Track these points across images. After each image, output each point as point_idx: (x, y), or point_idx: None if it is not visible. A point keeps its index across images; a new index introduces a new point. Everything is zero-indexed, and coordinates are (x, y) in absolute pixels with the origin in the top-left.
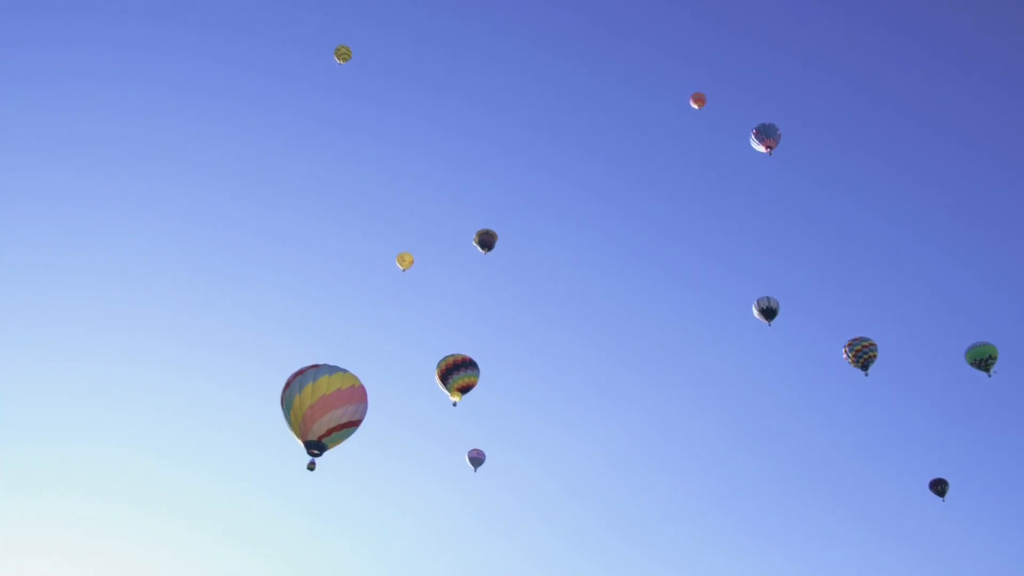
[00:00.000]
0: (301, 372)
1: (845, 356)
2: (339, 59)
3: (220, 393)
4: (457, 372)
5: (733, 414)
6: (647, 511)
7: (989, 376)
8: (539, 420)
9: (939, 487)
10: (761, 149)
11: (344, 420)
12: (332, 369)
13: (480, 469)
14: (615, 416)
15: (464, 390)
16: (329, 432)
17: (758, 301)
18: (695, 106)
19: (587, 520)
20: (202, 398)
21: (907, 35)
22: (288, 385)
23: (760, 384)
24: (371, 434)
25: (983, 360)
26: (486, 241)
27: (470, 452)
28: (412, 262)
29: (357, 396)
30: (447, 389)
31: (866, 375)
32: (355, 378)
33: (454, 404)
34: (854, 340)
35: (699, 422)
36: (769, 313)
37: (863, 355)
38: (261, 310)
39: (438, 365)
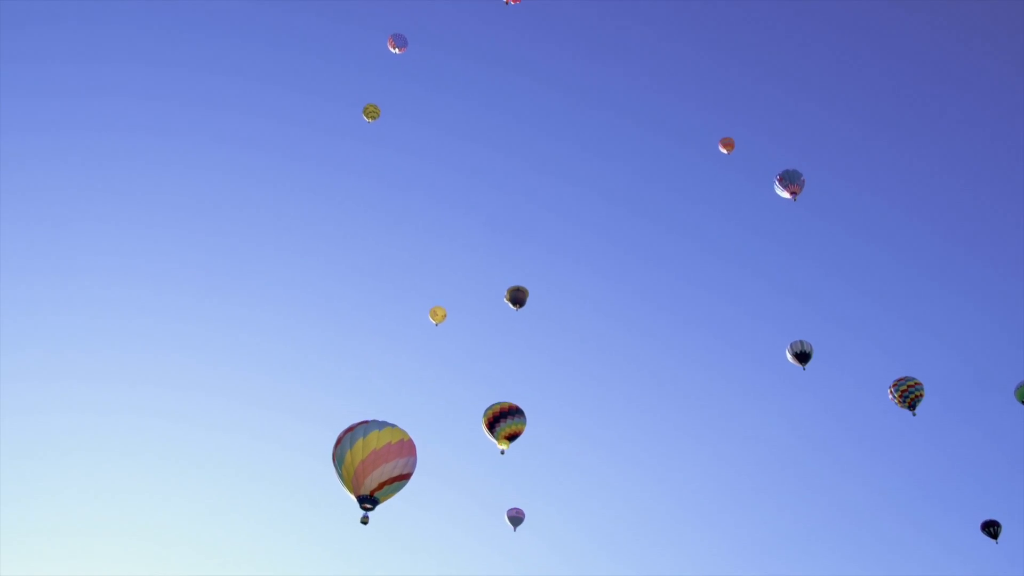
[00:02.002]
0: (351, 428)
1: (891, 397)
2: (367, 117)
3: (269, 452)
4: (504, 420)
5: (774, 460)
6: (689, 565)
7: None
8: (576, 476)
9: (992, 529)
10: (785, 195)
11: (395, 473)
12: (381, 424)
13: (519, 528)
14: (651, 469)
15: (511, 438)
16: (381, 486)
17: (791, 345)
18: (724, 151)
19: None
20: (252, 458)
21: (936, 77)
22: (339, 441)
23: (801, 429)
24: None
25: None
26: (517, 298)
27: (509, 511)
28: (445, 316)
29: (407, 450)
30: (494, 437)
31: (914, 415)
32: (404, 432)
33: (502, 452)
34: (899, 380)
35: (739, 471)
36: (803, 357)
37: (909, 395)
38: (293, 368)
39: (485, 413)
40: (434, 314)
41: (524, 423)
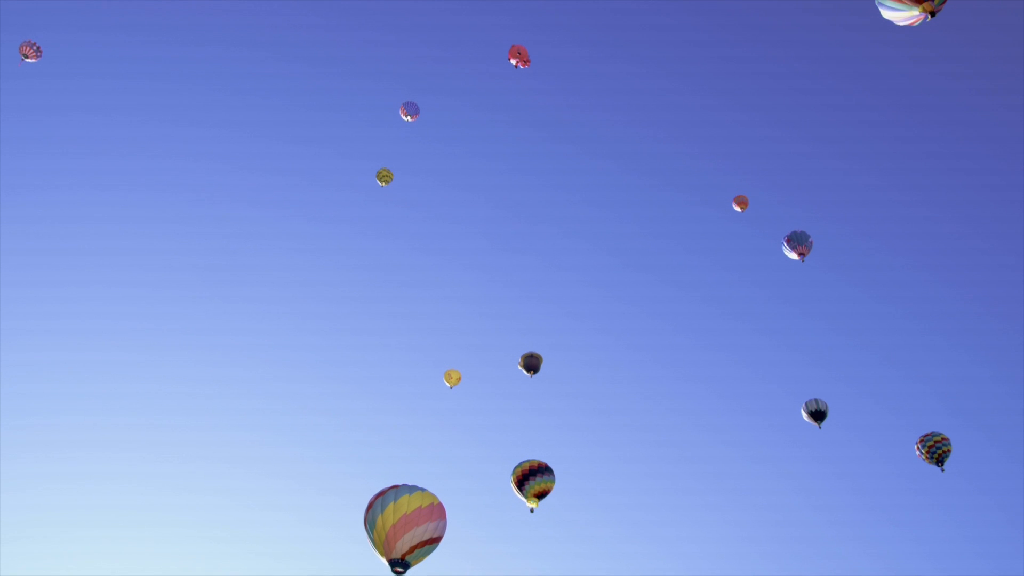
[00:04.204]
0: (382, 493)
1: (918, 453)
2: (381, 181)
3: (297, 523)
4: (534, 478)
5: (796, 521)
6: None
7: None
8: (592, 542)
9: None
10: (794, 256)
11: (426, 537)
12: (411, 488)
13: None
14: (665, 535)
15: (541, 496)
16: (412, 549)
17: (806, 404)
18: (738, 208)
19: None
20: (280, 529)
21: (948, 134)
22: (370, 506)
23: (822, 487)
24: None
25: None
26: (531, 364)
27: None
28: (459, 379)
29: (437, 513)
30: (523, 495)
31: (942, 471)
32: (434, 496)
33: (531, 510)
34: (925, 436)
35: (761, 532)
36: (819, 415)
37: (936, 450)
38: (311, 438)
39: (514, 471)
40: (449, 377)
41: (553, 481)
